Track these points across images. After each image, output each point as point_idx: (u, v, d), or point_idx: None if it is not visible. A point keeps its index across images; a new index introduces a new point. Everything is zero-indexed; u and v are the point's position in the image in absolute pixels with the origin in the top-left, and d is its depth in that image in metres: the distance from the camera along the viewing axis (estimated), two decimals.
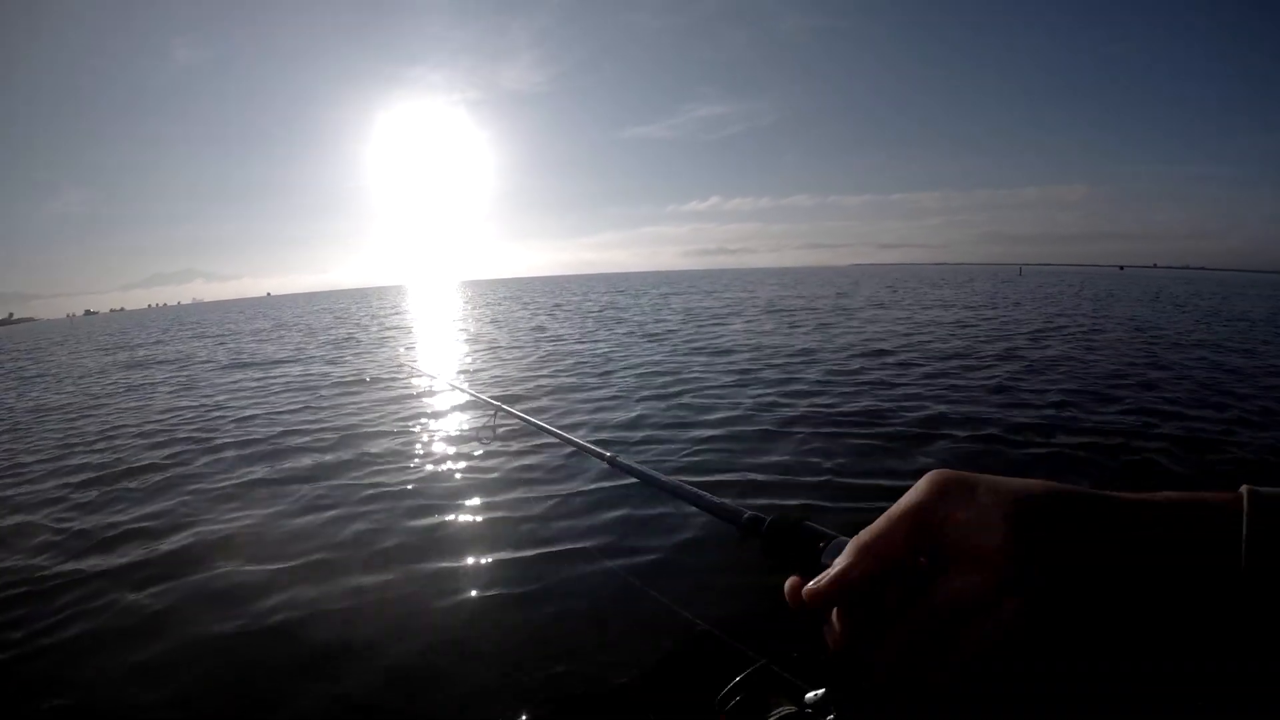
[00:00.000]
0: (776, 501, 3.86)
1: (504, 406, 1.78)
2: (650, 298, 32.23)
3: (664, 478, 0.77)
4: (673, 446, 5.15)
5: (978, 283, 40.93)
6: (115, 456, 5.85)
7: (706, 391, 7.19)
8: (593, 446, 1.09)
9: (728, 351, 10.44)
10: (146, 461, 5.56)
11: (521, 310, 27.30)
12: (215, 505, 4.32)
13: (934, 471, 0.38)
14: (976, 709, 0.34)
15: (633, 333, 14.60)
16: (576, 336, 14.32)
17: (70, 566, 3.48)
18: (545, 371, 9.46)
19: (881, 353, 9.51)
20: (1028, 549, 0.33)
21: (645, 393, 7.28)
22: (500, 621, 2.79)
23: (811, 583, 0.39)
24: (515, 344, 13.71)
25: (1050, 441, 4.85)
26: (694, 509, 0.66)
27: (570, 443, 1.18)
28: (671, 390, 7.35)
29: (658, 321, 17.24)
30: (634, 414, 6.33)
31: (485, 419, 1.83)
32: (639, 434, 5.59)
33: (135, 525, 4.02)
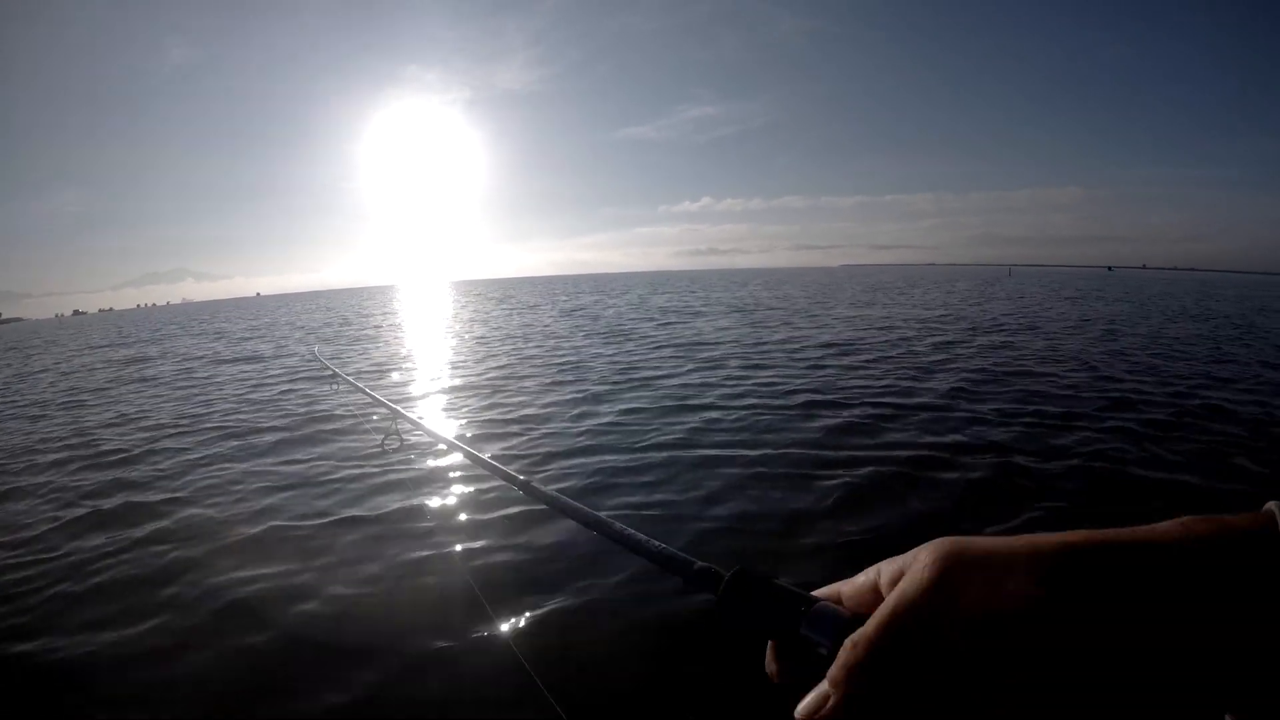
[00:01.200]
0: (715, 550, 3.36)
1: (404, 413, 1.62)
2: (628, 298, 32.50)
3: (588, 512, 0.65)
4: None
5: (960, 283, 41.46)
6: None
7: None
8: (504, 469, 0.95)
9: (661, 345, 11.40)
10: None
11: (499, 308, 27.71)
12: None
13: (938, 544, 0.34)
14: None
15: (590, 331, 15.31)
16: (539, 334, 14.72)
17: None
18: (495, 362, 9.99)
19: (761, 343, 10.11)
20: (1042, 615, 0.30)
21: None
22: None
23: (804, 705, 0.35)
24: (483, 338, 14.23)
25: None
26: (627, 551, 0.55)
27: (480, 462, 1.03)
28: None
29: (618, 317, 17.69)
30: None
31: (385, 425, 1.67)
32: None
33: None
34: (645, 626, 2.64)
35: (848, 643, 0.33)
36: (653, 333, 14.27)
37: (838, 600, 0.39)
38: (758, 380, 7.81)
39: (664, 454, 4.90)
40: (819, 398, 6.64)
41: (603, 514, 0.62)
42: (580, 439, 5.45)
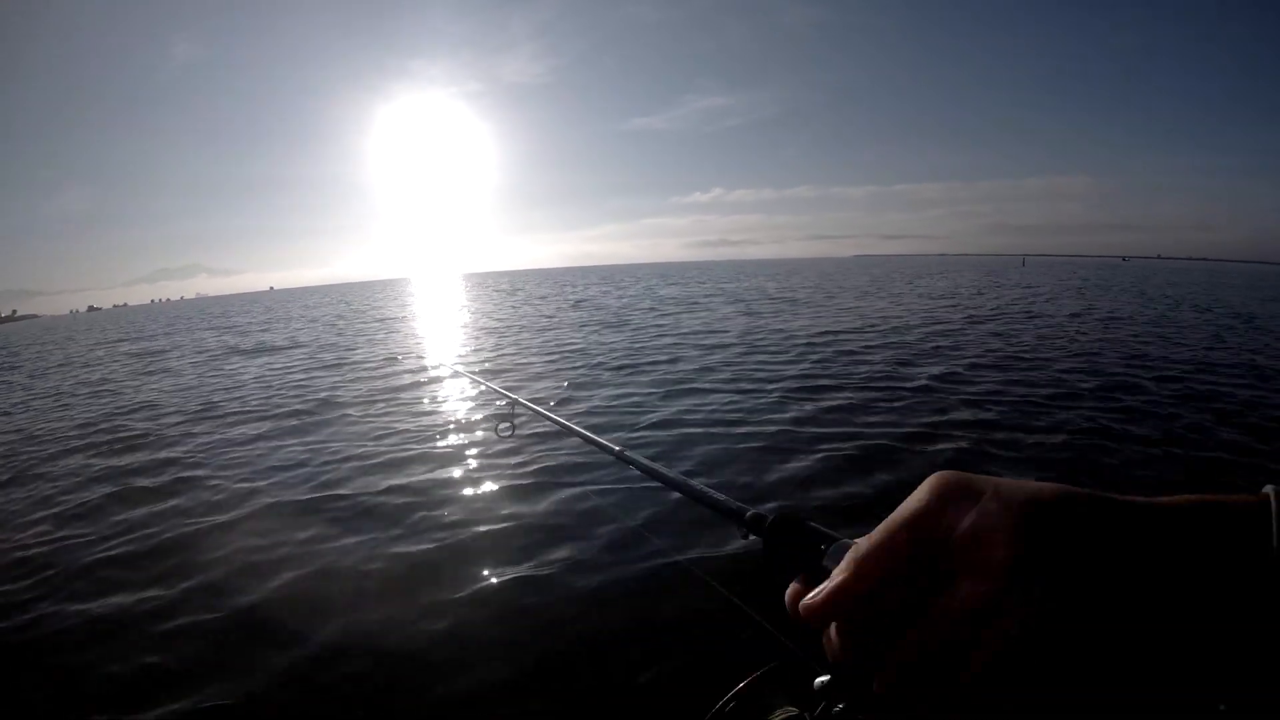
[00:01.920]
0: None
1: (520, 400, 1.78)
2: (636, 289, 32.60)
3: (669, 473, 0.78)
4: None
5: (966, 274, 41.11)
6: None
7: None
8: (602, 440, 1.09)
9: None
10: None
11: (510, 300, 27.97)
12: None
13: (937, 474, 0.37)
14: None
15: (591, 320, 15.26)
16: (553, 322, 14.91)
17: None
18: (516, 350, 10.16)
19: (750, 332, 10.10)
20: (1034, 559, 0.31)
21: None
22: (504, 612, 2.76)
23: (808, 597, 0.38)
24: (508, 328, 14.35)
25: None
26: (697, 504, 0.66)
27: (581, 436, 1.18)
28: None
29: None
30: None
31: (503, 411, 1.80)
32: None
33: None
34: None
35: (850, 552, 0.37)
36: (658, 321, 14.53)
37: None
38: (749, 362, 8.06)
39: (666, 431, 5.18)
40: (810, 382, 6.81)
41: (682, 476, 0.74)
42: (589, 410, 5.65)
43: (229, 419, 6.68)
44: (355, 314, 26.78)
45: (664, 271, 78.19)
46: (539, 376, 8.30)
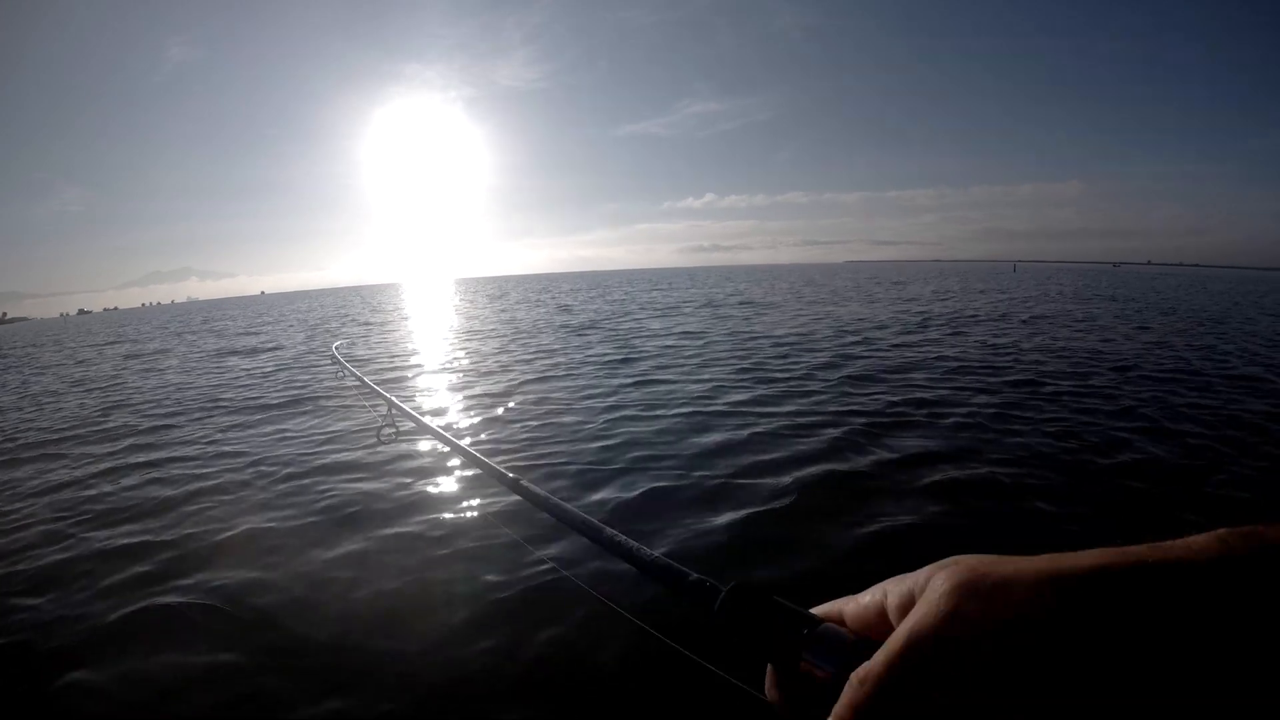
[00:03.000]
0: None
1: (399, 404, 1.65)
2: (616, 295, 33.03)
3: (580, 516, 0.65)
4: None
5: (949, 280, 41.72)
6: None
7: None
8: (497, 467, 0.95)
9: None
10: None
11: (492, 304, 28.34)
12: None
13: (953, 571, 0.31)
14: None
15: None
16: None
17: None
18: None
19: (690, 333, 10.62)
20: (1064, 652, 0.27)
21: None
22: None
23: None
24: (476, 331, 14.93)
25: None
26: (615, 557, 0.54)
27: (471, 459, 1.04)
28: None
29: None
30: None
31: (380, 416, 1.68)
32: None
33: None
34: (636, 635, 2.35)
35: (854, 678, 0.31)
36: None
37: (840, 620, 0.37)
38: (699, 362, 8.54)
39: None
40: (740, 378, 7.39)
41: (594, 519, 0.61)
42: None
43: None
44: (337, 318, 27.06)
45: (652, 278, 78.76)
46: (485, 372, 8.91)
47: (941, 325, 13.08)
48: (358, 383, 2.70)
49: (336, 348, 4.44)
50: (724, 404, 6.28)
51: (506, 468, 0.93)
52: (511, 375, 8.72)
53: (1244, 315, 15.56)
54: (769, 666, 0.37)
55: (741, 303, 21.74)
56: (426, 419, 1.38)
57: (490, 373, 9.22)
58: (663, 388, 7.36)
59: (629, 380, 7.89)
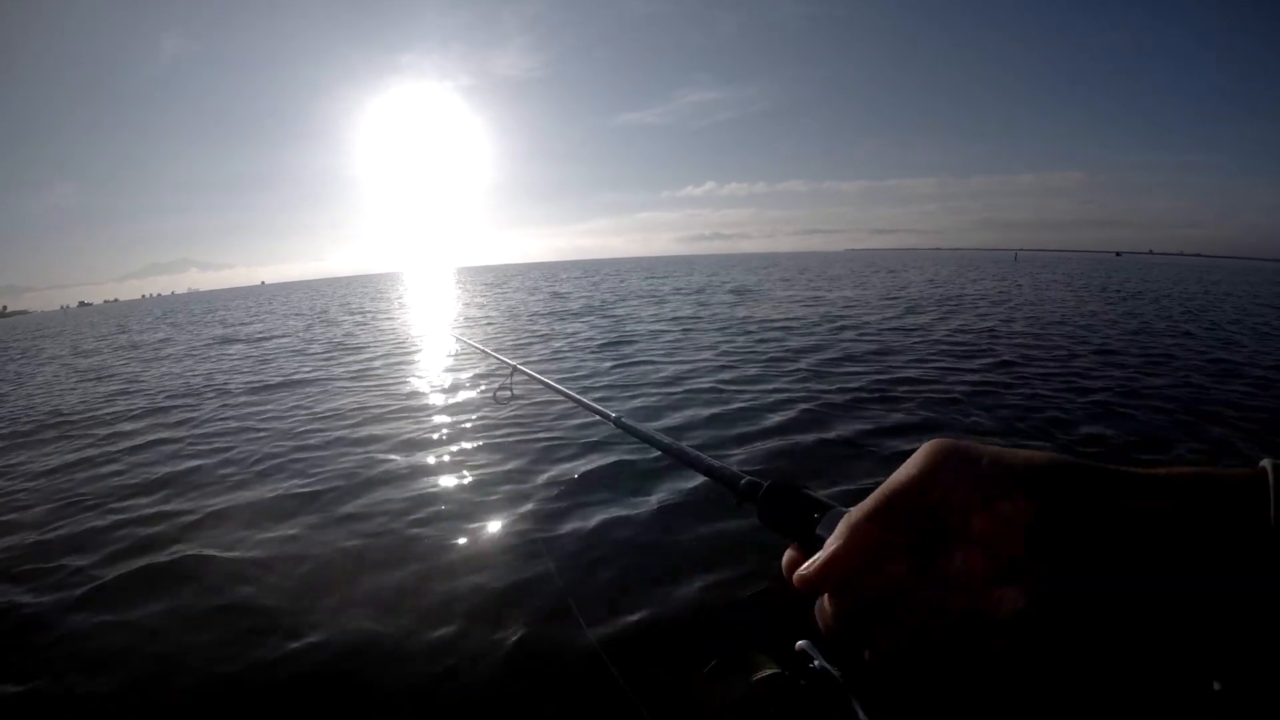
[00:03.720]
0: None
1: (519, 366, 1.82)
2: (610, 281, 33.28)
3: (665, 439, 0.77)
4: None
5: (944, 268, 41.83)
6: None
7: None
8: (599, 407, 1.10)
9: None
10: None
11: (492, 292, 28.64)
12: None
13: (933, 442, 0.36)
14: (978, 698, 0.32)
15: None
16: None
17: None
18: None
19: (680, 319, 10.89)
20: (1033, 526, 0.31)
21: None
22: (488, 583, 2.79)
23: (801, 567, 0.37)
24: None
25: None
26: (693, 472, 0.66)
27: (578, 403, 1.19)
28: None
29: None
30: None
31: (502, 378, 1.87)
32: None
33: None
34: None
35: (843, 520, 0.37)
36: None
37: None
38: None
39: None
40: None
41: (676, 441, 0.75)
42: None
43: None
44: (340, 307, 27.34)
45: (649, 266, 78.86)
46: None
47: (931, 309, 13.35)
48: (479, 351, 3.10)
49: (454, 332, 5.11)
50: (699, 383, 6.67)
51: (603, 406, 1.11)
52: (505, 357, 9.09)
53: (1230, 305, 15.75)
54: (793, 543, 0.43)
55: (730, 290, 22.00)
56: (544, 376, 1.56)
57: (486, 356, 9.57)
58: (641, 367, 7.80)
59: (613, 362, 8.32)
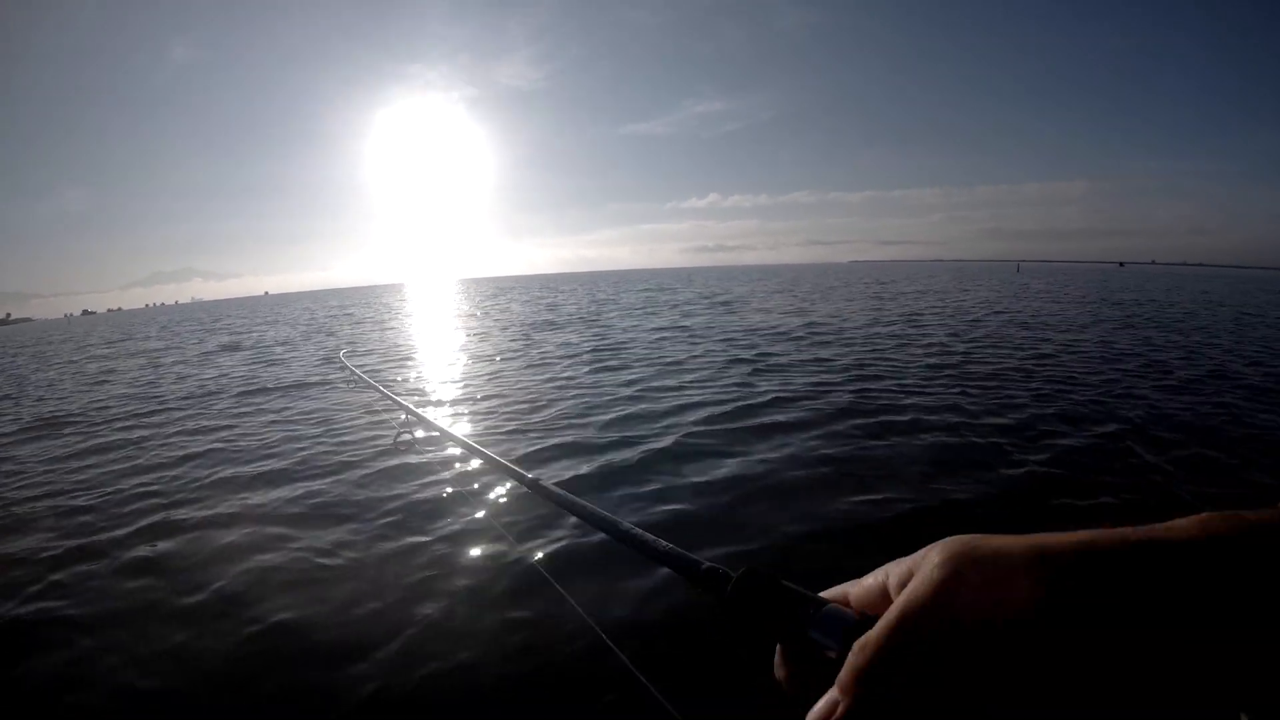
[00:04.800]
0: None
1: (416, 412, 1.66)
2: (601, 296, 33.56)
3: (594, 509, 0.67)
4: None
5: (937, 279, 42.03)
6: None
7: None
8: (513, 466, 0.98)
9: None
10: None
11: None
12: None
13: (946, 546, 0.33)
14: None
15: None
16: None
17: None
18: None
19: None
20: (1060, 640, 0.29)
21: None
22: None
23: (813, 711, 0.34)
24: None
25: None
26: (633, 551, 0.56)
27: (488, 460, 1.08)
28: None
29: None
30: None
31: (398, 424, 1.69)
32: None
33: None
34: (649, 625, 2.50)
35: (856, 646, 0.33)
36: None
37: (845, 602, 0.38)
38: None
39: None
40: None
41: (610, 514, 0.63)
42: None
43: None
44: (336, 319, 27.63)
45: (650, 278, 79.41)
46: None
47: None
48: (372, 390, 2.76)
49: (343, 354, 4.48)
50: (663, 383, 7.31)
51: (521, 466, 0.98)
52: (495, 364, 9.95)
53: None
54: (778, 647, 0.39)
55: (715, 303, 22.50)
56: (443, 424, 1.39)
57: (480, 357, 10.65)
58: (617, 374, 8.20)
59: (588, 367, 8.91)
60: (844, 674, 0.33)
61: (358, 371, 3.06)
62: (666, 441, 4.86)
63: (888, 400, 5.99)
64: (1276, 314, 15.45)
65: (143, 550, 3.44)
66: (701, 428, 5.24)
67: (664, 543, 0.53)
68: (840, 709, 0.32)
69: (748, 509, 3.56)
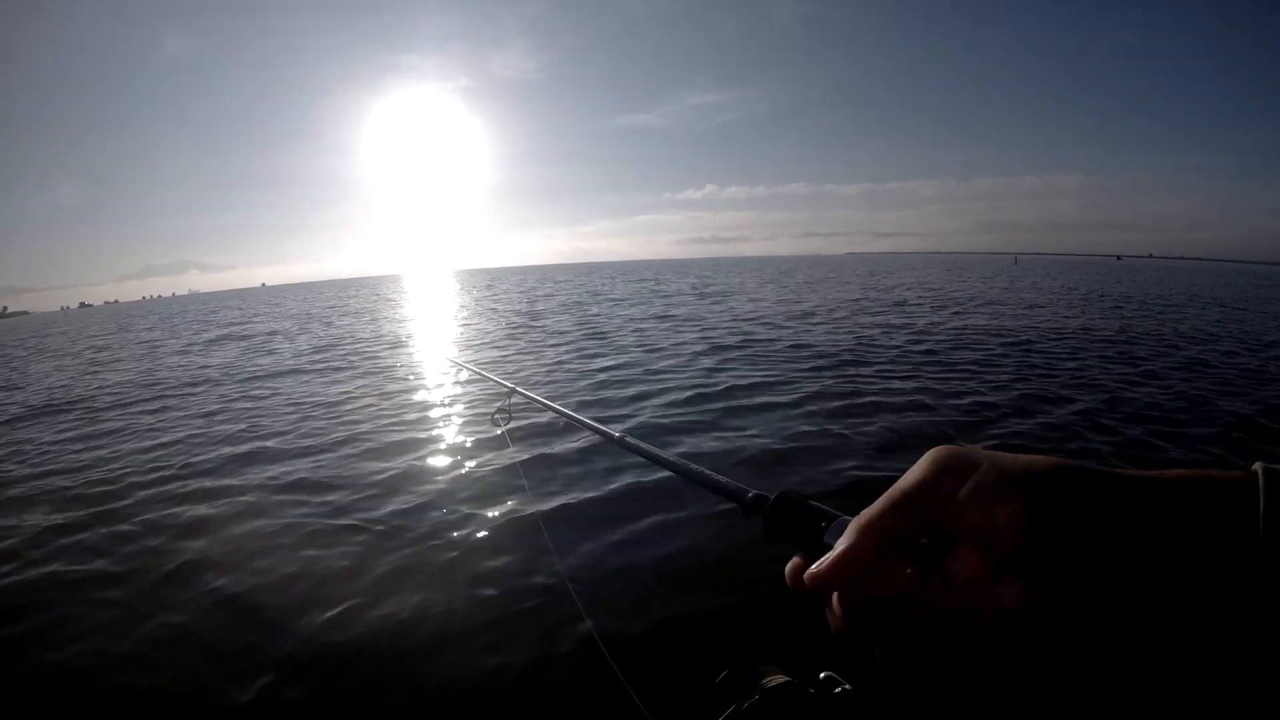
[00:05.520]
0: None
1: (518, 388, 1.79)
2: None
3: (669, 456, 0.76)
4: None
5: (931, 270, 42.18)
6: None
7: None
8: (601, 426, 1.08)
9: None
10: None
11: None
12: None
13: (936, 448, 0.38)
14: (982, 693, 0.33)
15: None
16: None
17: None
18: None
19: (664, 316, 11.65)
20: (1031, 531, 0.32)
21: None
22: (493, 600, 2.72)
23: (813, 566, 0.38)
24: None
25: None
26: (699, 487, 0.65)
27: (579, 422, 1.18)
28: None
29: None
30: None
31: (500, 400, 1.84)
32: None
33: None
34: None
35: (852, 523, 0.38)
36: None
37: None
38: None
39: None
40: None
41: (682, 459, 0.72)
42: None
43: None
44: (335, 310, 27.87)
45: (644, 269, 79.37)
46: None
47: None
48: (477, 375, 3.02)
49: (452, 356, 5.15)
50: (633, 368, 7.95)
51: (604, 424, 1.08)
52: (477, 349, 10.71)
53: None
54: (795, 557, 0.43)
55: (701, 294, 22.94)
56: (544, 398, 1.52)
57: (470, 344, 12.06)
58: (595, 358, 9.01)
59: (566, 346, 9.90)
60: (843, 541, 0.38)
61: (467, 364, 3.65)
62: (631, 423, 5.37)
63: (863, 384, 6.31)
64: (1241, 304, 16.13)
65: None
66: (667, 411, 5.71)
67: (722, 477, 0.61)
68: (832, 556, 0.38)
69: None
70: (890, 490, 0.37)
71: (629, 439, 0.95)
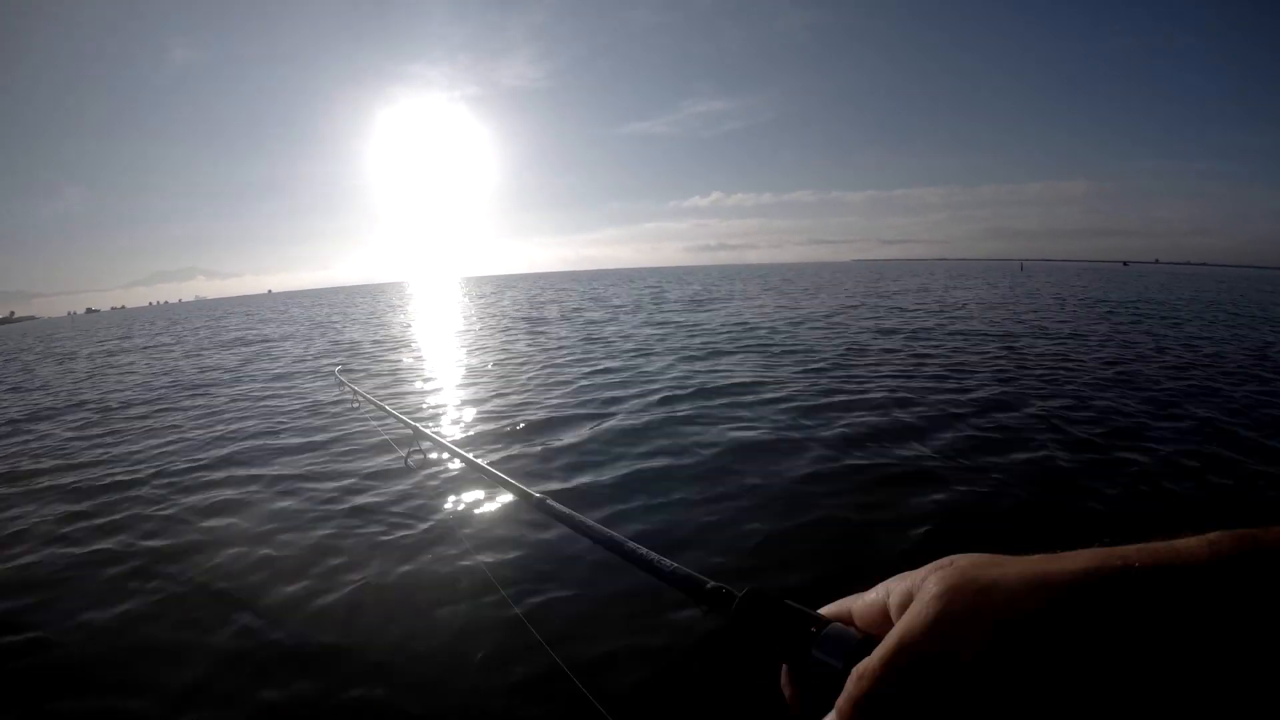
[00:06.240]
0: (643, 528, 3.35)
1: (425, 431, 1.64)
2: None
3: (602, 530, 0.65)
4: None
5: (933, 278, 42.13)
6: None
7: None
8: (521, 485, 0.96)
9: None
10: None
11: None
12: None
13: (944, 575, 0.33)
14: None
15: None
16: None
17: None
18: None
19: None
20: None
21: None
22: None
23: None
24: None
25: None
26: (636, 569, 0.55)
27: (496, 479, 1.07)
28: None
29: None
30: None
31: (406, 443, 1.64)
32: None
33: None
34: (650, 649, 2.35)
35: (854, 673, 0.33)
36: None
37: (848, 619, 0.38)
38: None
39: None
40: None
41: (616, 533, 0.62)
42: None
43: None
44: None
45: (650, 277, 79.67)
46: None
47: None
48: (375, 410, 2.55)
49: (338, 371, 4.34)
50: (621, 372, 8.20)
51: (531, 486, 0.95)
52: (477, 355, 11.06)
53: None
54: (783, 667, 0.39)
55: (692, 300, 23.52)
56: (451, 443, 1.34)
57: (468, 347, 12.33)
58: (583, 360, 9.36)
59: (556, 348, 10.30)
60: (842, 700, 0.33)
61: (362, 392, 2.89)
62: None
63: (853, 386, 6.39)
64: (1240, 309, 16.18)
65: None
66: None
67: (670, 563, 0.53)
68: None
69: (665, 481, 3.97)
70: (896, 634, 0.32)
71: (551, 502, 0.82)
